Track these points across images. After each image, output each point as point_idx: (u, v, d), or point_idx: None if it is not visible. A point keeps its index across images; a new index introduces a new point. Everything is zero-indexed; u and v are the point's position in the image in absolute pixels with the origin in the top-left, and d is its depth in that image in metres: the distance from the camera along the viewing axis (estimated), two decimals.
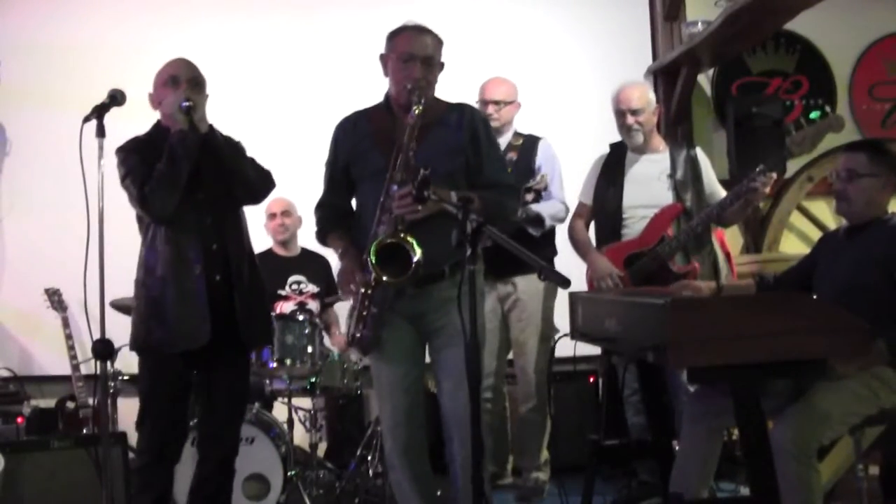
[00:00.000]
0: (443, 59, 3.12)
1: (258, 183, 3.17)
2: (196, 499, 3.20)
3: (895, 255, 2.97)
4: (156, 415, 3.09)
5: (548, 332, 4.22)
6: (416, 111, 2.95)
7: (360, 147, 3.15)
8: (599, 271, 3.97)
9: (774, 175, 3.70)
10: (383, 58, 3.13)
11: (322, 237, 3.25)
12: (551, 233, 4.25)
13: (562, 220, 4.25)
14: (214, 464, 3.18)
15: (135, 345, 3.13)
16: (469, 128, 3.12)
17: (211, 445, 3.19)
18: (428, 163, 2.83)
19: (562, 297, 3.34)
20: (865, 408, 2.87)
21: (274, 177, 3.23)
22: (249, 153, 3.24)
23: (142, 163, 3.04)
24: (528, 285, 4.12)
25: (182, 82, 3.11)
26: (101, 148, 2.85)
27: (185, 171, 3.00)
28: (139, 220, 3.18)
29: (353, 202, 3.25)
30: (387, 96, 3.18)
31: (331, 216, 3.22)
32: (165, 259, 3.05)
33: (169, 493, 3.17)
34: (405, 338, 3.09)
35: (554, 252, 4.26)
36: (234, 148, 3.18)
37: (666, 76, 5.27)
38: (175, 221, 3.05)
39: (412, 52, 3.03)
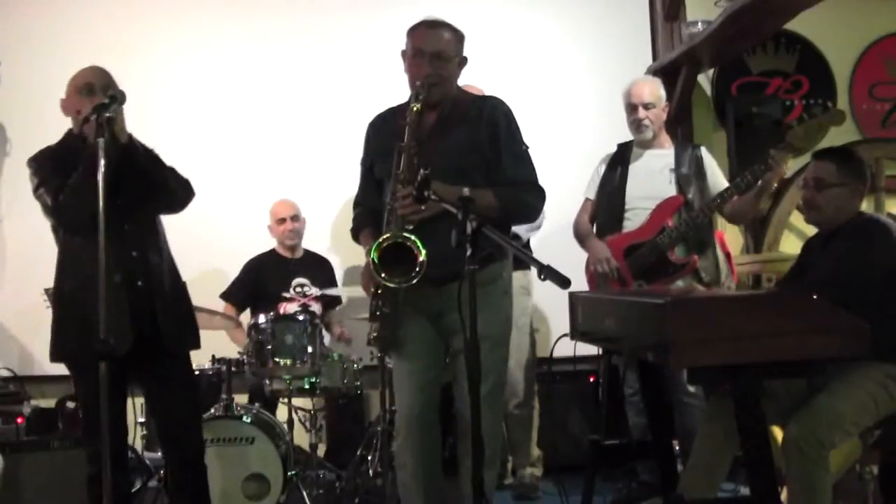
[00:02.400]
0: (465, 54, 3.08)
1: (180, 192, 3.14)
2: (173, 500, 3.20)
3: (868, 256, 2.98)
4: (97, 423, 3.01)
5: (526, 330, 4.24)
6: (414, 109, 2.92)
7: (384, 146, 3.10)
8: (595, 255, 4.00)
9: (788, 154, 3.71)
10: (403, 54, 3.11)
11: (355, 235, 3.25)
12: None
13: (538, 228, 4.26)
14: (182, 466, 3.17)
15: (56, 355, 3.05)
16: (489, 123, 3.07)
17: (175, 449, 3.17)
18: (444, 159, 2.83)
19: (562, 297, 3.33)
20: (880, 409, 2.87)
21: (193, 185, 3.20)
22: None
23: (55, 173, 2.98)
24: None
25: (97, 91, 3.05)
26: (101, 148, 2.85)
27: (104, 182, 2.89)
28: (55, 229, 3.12)
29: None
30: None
31: (364, 214, 3.21)
32: (85, 266, 2.95)
33: (126, 498, 3.16)
34: (425, 336, 3.08)
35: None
36: (153, 157, 3.12)
37: (666, 76, 5.25)
38: (89, 231, 2.91)
39: (420, 48, 3.01)
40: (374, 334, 3.02)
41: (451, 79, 3.07)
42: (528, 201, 3.12)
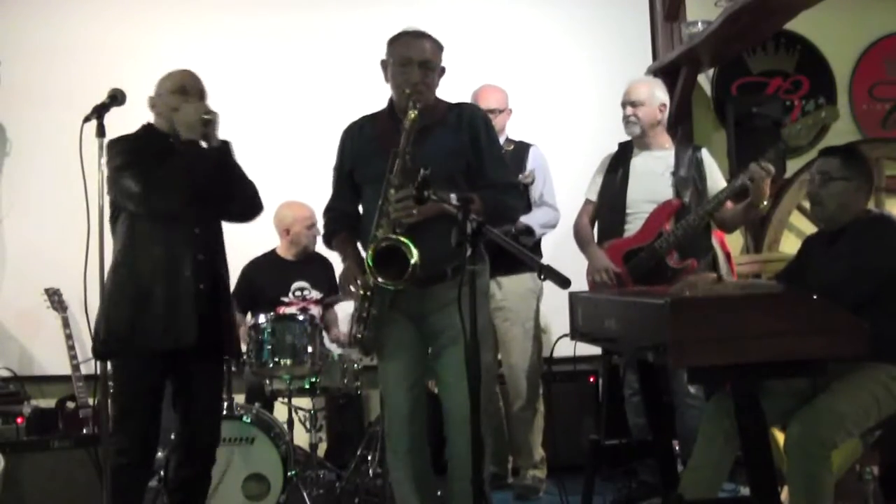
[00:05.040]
0: (444, 64, 3.13)
1: (258, 202, 3.25)
2: (176, 499, 3.23)
3: (877, 255, 2.97)
4: (139, 414, 3.08)
5: (535, 331, 4.24)
6: (412, 115, 2.96)
7: (363, 152, 3.17)
8: (595, 265, 3.99)
9: (771, 168, 3.68)
10: (384, 63, 3.15)
11: (328, 241, 3.30)
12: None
13: (553, 227, 4.26)
14: (199, 468, 3.22)
15: (114, 344, 3.04)
16: (469, 128, 3.13)
17: (196, 450, 3.21)
18: (428, 165, 2.84)
19: (562, 298, 3.33)
20: (882, 409, 2.87)
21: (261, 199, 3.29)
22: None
23: (141, 158, 3.04)
24: (513, 285, 4.15)
25: (190, 93, 3.14)
26: (101, 148, 2.86)
27: (201, 180, 3.04)
28: (114, 218, 3.13)
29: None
30: (390, 101, 3.19)
31: (337, 220, 3.26)
32: (156, 261, 3.05)
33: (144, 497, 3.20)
34: (408, 337, 3.12)
35: (539, 255, 4.25)
36: (238, 165, 3.23)
37: (666, 76, 5.25)
38: (169, 224, 3.06)
39: (409, 56, 3.05)
40: (358, 336, 3.06)
41: (434, 87, 3.13)
42: (511, 203, 3.22)
